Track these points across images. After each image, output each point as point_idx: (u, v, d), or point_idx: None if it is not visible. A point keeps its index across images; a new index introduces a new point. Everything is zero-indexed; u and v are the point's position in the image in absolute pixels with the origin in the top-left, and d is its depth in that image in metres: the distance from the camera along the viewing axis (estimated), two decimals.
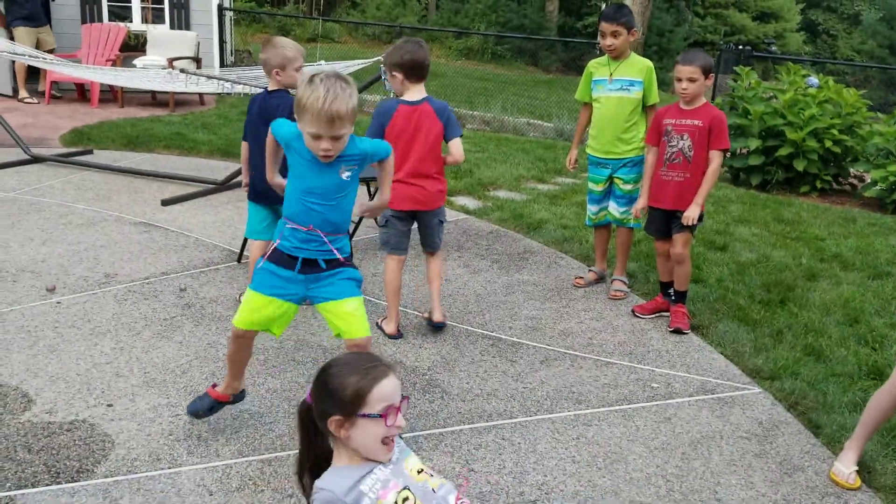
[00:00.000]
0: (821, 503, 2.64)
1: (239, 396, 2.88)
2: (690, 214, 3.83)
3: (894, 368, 2.65)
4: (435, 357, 3.56)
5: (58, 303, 3.88)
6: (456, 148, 3.56)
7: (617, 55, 4.21)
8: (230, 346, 2.74)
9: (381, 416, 1.77)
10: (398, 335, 3.72)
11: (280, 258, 2.62)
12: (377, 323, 3.79)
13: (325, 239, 2.59)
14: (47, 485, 2.49)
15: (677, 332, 3.95)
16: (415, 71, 3.51)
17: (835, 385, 3.44)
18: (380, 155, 2.71)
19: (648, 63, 4.19)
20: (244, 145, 3.89)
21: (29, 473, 2.53)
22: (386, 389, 1.78)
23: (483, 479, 2.66)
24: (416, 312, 4.03)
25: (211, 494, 2.49)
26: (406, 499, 1.81)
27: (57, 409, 2.93)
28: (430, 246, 3.83)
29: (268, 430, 2.88)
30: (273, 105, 3.62)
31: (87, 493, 2.46)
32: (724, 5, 28.79)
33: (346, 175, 2.56)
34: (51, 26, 10.25)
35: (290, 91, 3.70)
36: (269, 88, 3.75)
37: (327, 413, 1.78)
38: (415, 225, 3.78)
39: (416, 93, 3.54)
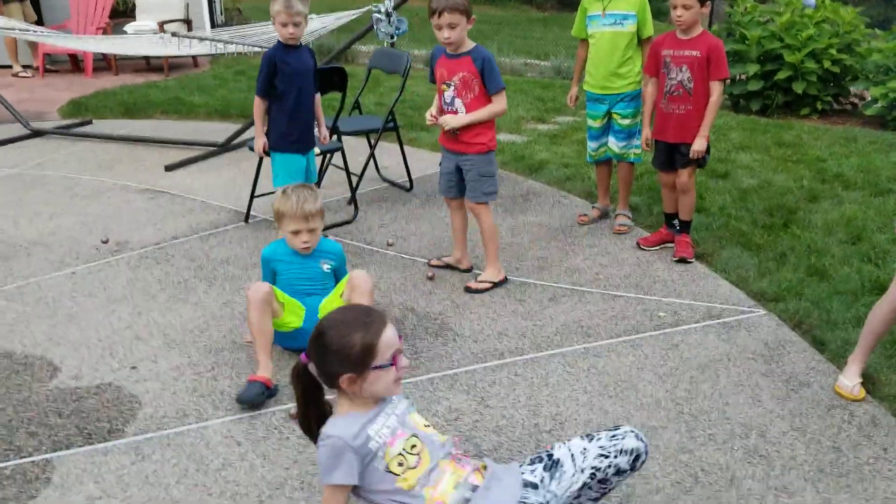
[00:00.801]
0: (827, 415, 2.73)
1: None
2: (697, 148, 3.84)
3: (892, 281, 2.71)
4: (445, 302, 3.64)
5: (72, 273, 3.96)
6: (498, 100, 3.58)
7: None
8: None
9: (391, 364, 1.88)
10: (469, 271, 3.96)
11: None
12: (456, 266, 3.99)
13: None
14: (80, 446, 2.59)
15: (682, 261, 4.00)
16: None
17: (839, 303, 3.51)
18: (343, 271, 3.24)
19: None
20: (258, 102, 4.04)
21: (62, 436, 2.64)
22: (390, 337, 1.88)
23: (498, 413, 2.75)
24: (424, 260, 4.09)
25: (239, 444, 2.60)
26: (414, 446, 1.90)
27: (82, 374, 3.03)
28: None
29: (287, 380, 2.97)
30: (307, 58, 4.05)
31: (119, 450, 2.57)
32: None
33: (326, 267, 3.15)
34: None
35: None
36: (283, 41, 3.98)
37: (337, 373, 1.87)
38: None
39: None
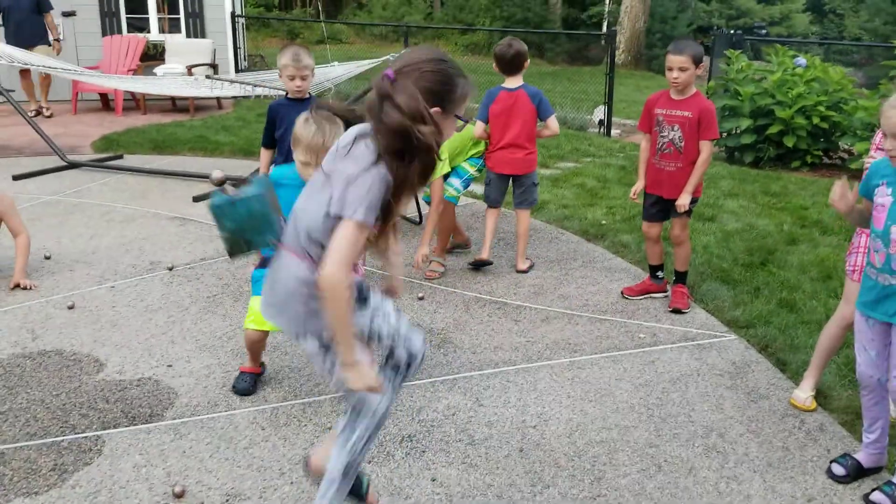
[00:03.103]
0: (780, 422, 3.10)
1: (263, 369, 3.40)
2: (681, 203, 3.98)
3: (840, 302, 3.09)
4: (448, 320, 4.03)
5: (112, 287, 4.39)
6: (553, 123, 4.63)
7: None
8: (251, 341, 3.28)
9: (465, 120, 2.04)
10: (489, 262, 4.75)
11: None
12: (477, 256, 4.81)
13: None
14: (126, 426, 2.98)
15: (676, 311, 4.13)
16: (500, 65, 4.60)
17: (803, 331, 3.88)
18: None
19: None
20: (263, 152, 4.07)
21: (110, 418, 3.03)
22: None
23: (491, 411, 3.13)
24: (431, 284, 4.50)
25: (263, 429, 2.98)
26: (369, 238, 1.97)
27: (125, 370, 3.43)
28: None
29: (306, 380, 3.37)
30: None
31: (160, 431, 2.96)
32: None
33: None
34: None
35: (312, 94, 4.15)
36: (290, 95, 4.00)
37: (425, 100, 1.83)
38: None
39: (512, 81, 4.60)
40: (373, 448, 2.18)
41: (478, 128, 4.69)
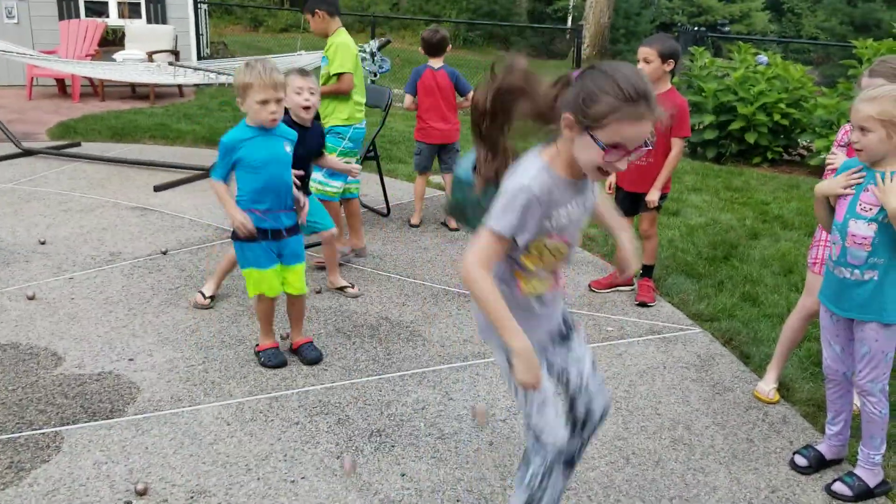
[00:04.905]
0: (745, 414, 3.14)
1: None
2: (651, 199, 4.04)
3: (801, 297, 3.14)
4: (417, 313, 4.01)
5: (70, 278, 4.27)
6: (471, 96, 4.75)
7: None
8: (263, 314, 3.40)
9: (604, 148, 1.72)
10: (418, 225, 5.40)
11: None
12: (409, 221, 5.44)
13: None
14: (86, 422, 2.90)
15: (643, 305, 4.17)
16: (426, 47, 5.28)
17: (766, 324, 3.94)
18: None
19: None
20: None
21: (69, 414, 2.95)
22: (629, 132, 1.72)
23: (460, 405, 3.12)
24: (399, 276, 4.47)
25: (228, 424, 2.92)
26: (560, 251, 1.92)
27: (84, 364, 3.34)
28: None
29: (273, 374, 3.31)
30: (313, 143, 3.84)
31: (121, 426, 2.88)
32: None
33: (288, 148, 3.26)
34: None
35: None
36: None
37: (567, 108, 1.75)
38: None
39: (436, 62, 5.28)
40: (561, 486, 2.12)
41: (407, 100, 5.39)
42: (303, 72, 3.75)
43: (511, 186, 1.80)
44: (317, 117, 4.04)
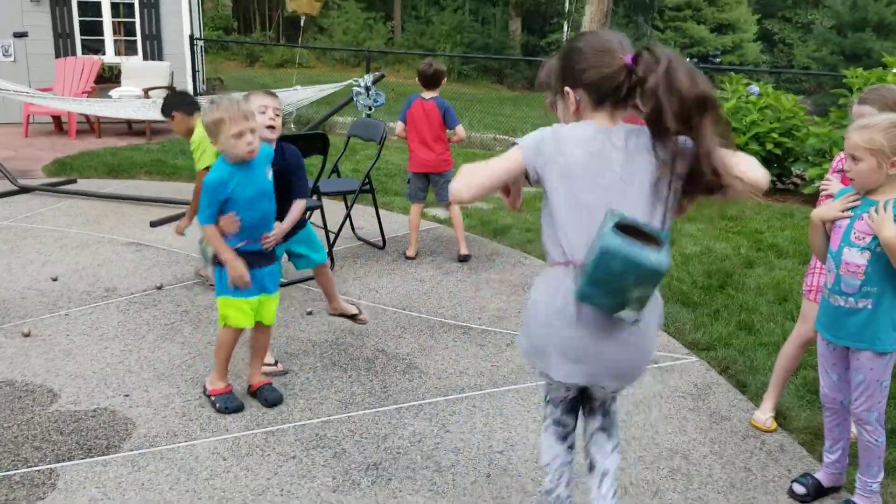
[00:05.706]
0: (742, 443, 3.13)
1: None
2: None
3: (796, 324, 3.15)
4: (413, 345, 4.00)
5: (66, 314, 4.27)
6: (460, 130, 5.47)
7: None
8: (229, 348, 3.31)
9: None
10: (414, 257, 5.41)
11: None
12: (404, 253, 5.47)
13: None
14: (82, 458, 2.88)
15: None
16: (422, 80, 5.43)
17: (762, 352, 3.95)
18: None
19: None
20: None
21: (65, 450, 2.93)
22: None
23: (457, 437, 3.11)
24: (395, 308, 4.48)
25: (224, 459, 2.91)
26: None
27: (80, 400, 3.33)
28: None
29: (268, 409, 3.30)
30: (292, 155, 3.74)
31: (117, 462, 2.87)
32: (682, 18, 29.75)
33: (269, 174, 3.25)
34: None
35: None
36: None
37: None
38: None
39: (429, 94, 5.42)
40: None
41: (398, 127, 5.51)
42: (269, 92, 3.62)
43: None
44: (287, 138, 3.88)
